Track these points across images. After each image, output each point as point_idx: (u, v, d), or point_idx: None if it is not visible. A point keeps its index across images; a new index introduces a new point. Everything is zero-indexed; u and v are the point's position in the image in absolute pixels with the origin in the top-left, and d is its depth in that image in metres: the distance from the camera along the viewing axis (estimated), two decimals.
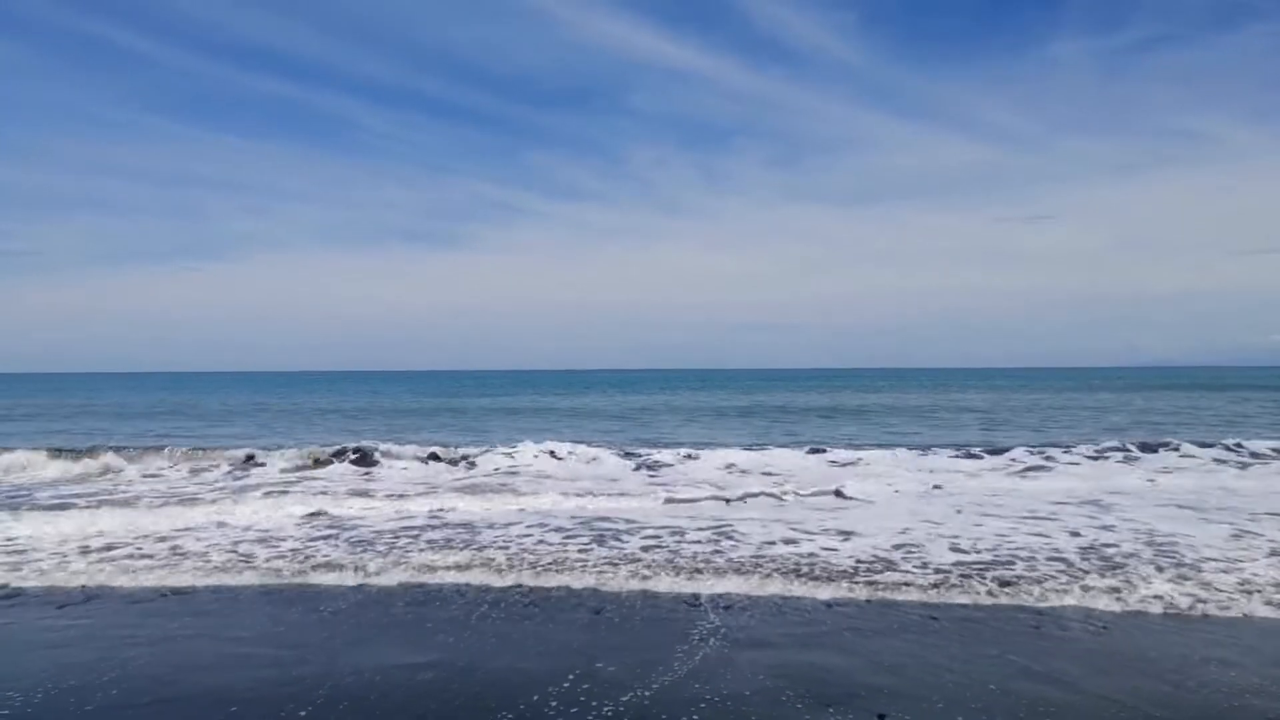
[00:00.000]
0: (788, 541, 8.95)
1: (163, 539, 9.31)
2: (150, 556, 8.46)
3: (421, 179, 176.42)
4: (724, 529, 9.65)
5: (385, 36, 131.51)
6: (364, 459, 16.40)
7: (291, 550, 8.72)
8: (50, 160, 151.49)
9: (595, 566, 7.90)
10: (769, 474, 14.73)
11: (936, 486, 13.01)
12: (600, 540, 9.08)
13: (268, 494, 12.59)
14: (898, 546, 8.66)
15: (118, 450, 17.23)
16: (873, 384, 70.91)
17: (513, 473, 15.29)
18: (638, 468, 15.69)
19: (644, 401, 43.70)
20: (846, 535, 9.28)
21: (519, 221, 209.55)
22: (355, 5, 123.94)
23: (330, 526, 10.09)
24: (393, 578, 7.63)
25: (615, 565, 7.92)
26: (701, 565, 7.90)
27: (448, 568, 7.92)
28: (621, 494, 12.61)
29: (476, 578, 7.59)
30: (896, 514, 10.59)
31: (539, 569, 7.84)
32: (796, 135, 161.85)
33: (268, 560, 8.28)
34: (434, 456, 16.53)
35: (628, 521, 10.21)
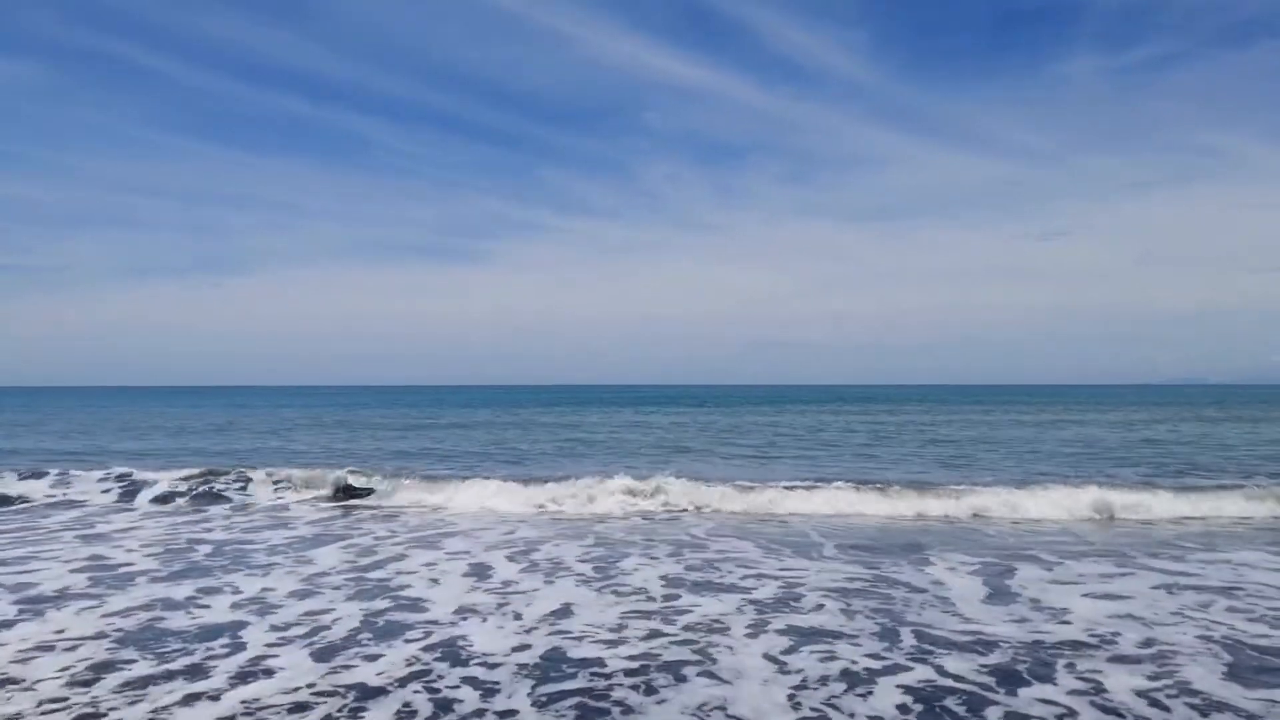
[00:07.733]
0: None
1: None
2: None
3: (438, 196, 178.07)
4: None
5: (402, 56, 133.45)
6: None
7: None
8: (76, 178, 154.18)
9: None
10: None
11: None
12: None
13: None
14: None
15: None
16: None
17: None
18: None
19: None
20: None
21: (534, 237, 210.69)
22: (372, 26, 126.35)
23: None
24: None
25: None
26: None
27: None
28: None
29: None
30: None
31: None
32: (809, 152, 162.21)
33: None
34: None
35: None
